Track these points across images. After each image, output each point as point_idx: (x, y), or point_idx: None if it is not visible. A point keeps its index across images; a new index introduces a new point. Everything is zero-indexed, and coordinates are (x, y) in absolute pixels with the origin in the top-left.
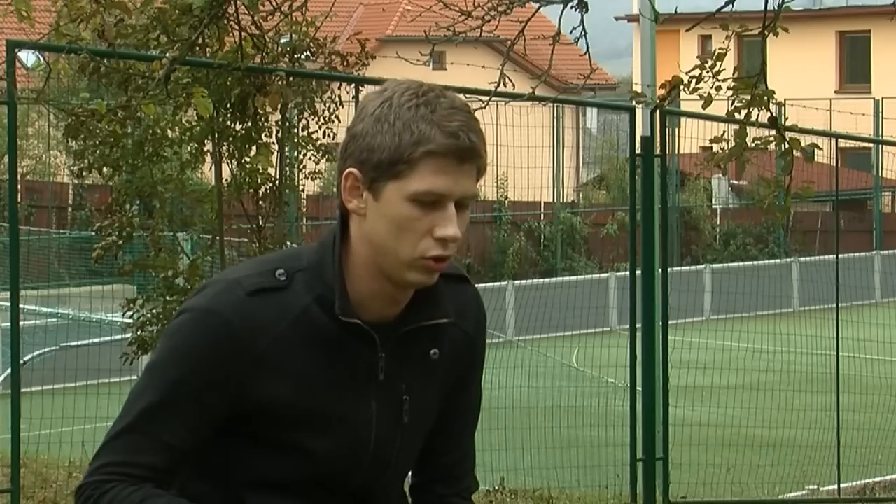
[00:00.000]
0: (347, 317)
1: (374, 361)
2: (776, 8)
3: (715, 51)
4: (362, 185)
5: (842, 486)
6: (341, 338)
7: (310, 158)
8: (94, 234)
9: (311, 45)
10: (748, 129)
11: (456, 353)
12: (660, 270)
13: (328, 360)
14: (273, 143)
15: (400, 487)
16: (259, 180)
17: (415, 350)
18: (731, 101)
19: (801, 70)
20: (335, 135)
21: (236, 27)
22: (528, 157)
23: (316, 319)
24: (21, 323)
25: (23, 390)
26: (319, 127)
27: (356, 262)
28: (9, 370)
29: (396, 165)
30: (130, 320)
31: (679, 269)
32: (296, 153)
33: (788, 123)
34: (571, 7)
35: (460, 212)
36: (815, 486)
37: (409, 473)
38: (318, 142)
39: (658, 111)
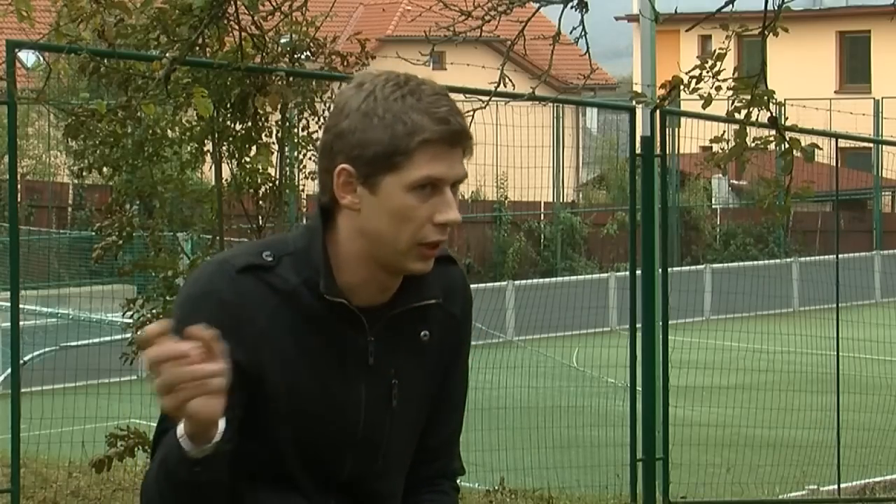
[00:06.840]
0: (333, 296)
1: (363, 345)
2: (776, 8)
3: (715, 51)
4: (356, 180)
5: (842, 486)
6: (329, 320)
7: (310, 158)
8: (94, 234)
9: (311, 45)
10: (748, 129)
11: (445, 335)
12: (660, 270)
13: (317, 343)
14: (273, 143)
15: (401, 483)
16: (259, 180)
17: (405, 333)
18: (731, 101)
19: (801, 70)
20: None
21: (236, 27)
22: (528, 157)
23: (304, 301)
24: (21, 323)
25: (23, 390)
26: (319, 127)
27: (344, 253)
28: (9, 370)
29: (393, 157)
30: (130, 320)
31: (679, 269)
32: (296, 153)
33: (788, 123)
34: (571, 7)
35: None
36: (815, 486)
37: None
38: (319, 142)
39: (658, 111)
